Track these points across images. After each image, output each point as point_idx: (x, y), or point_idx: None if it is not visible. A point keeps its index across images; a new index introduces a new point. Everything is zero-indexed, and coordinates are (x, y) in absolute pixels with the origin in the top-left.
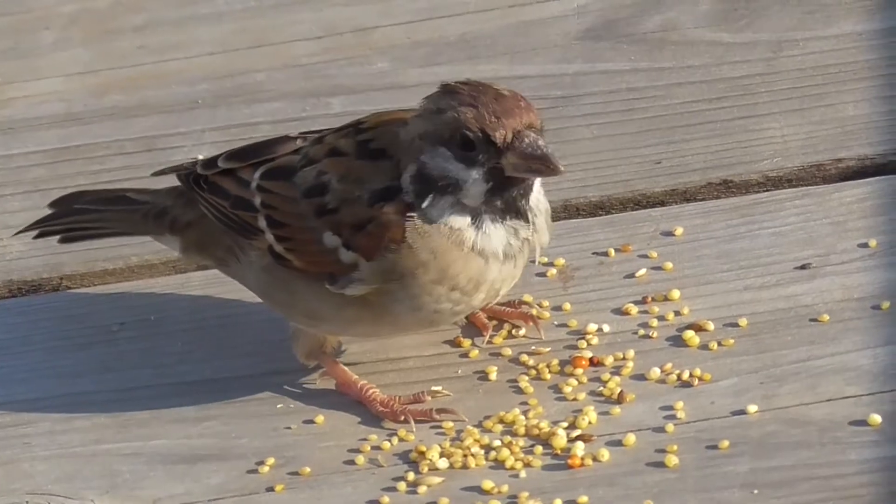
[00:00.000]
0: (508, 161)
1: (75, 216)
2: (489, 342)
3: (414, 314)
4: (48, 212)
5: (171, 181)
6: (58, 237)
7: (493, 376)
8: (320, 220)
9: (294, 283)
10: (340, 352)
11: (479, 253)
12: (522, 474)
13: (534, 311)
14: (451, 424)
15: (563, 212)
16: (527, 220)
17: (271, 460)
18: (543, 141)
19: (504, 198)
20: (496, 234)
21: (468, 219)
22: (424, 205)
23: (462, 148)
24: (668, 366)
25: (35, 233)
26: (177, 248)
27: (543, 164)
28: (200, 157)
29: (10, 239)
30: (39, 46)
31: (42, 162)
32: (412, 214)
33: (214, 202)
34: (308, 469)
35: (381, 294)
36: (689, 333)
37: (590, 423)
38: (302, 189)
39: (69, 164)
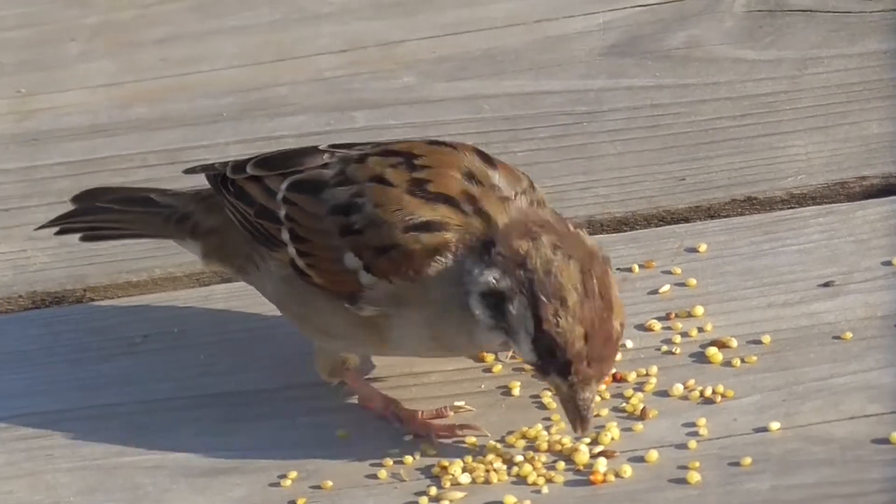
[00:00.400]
0: (560, 390)
1: (97, 214)
2: (512, 357)
3: (409, 342)
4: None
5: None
6: (79, 235)
7: (516, 391)
8: (343, 239)
9: (311, 297)
10: (364, 368)
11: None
12: (545, 490)
13: None
14: (473, 439)
15: (587, 228)
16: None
17: (293, 474)
18: (594, 402)
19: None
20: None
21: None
22: (473, 309)
23: (547, 351)
24: (691, 382)
25: (56, 229)
26: (198, 253)
27: (579, 424)
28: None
29: (35, 250)
30: (64, 58)
31: (66, 174)
32: (447, 255)
33: (240, 208)
34: (330, 483)
35: (385, 318)
36: (713, 350)
37: (612, 438)
38: (329, 205)
39: (93, 176)
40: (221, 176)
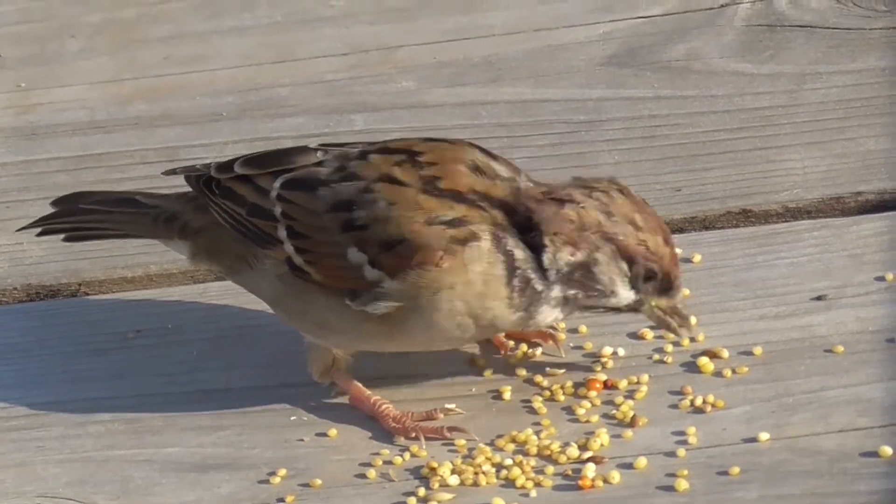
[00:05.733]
0: (661, 305)
1: (81, 216)
2: (505, 361)
3: (427, 333)
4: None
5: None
6: (62, 236)
7: (506, 396)
8: (346, 234)
9: (309, 294)
10: (356, 368)
11: (518, 308)
12: (533, 493)
13: (557, 332)
14: (463, 442)
15: None
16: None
17: (283, 471)
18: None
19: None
20: (551, 315)
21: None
22: (550, 284)
23: (646, 276)
24: (682, 391)
25: (38, 230)
26: (185, 253)
27: (680, 325)
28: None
29: (30, 244)
30: (64, 54)
31: (64, 168)
32: (476, 239)
33: (228, 208)
34: (319, 481)
35: (402, 312)
36: (704, 360)
37: (602, 445)
38: (329, 202)
39: (91, 172)
40: (205, 177)
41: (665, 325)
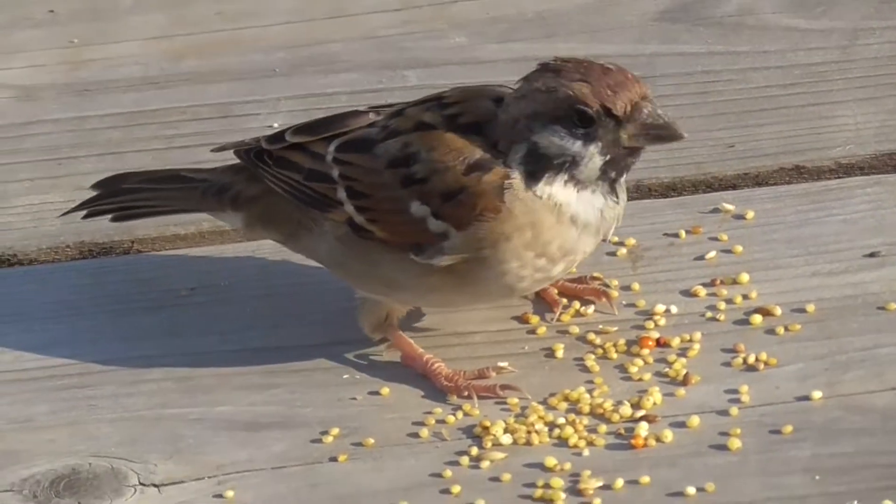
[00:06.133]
0: (629, 132)
1: (127, 195)
2: (557, 320)
3: (497, 280)
4: (93, 193)
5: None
6: (109, 216)
7: (559, 354)
8: (407, 189)
9: (373, 254)
10: (408, 327)
11: (574, 223)
12: (585, 452)
13: (610, 289)
14: (515, 401)
15: (635, 192)
16: (617, 196)
17: (335, 430)
18: (661, 109)
19: (618, 171)
20: (594, 207)
21: (574, 192)
22: (540, 183)
23: (580, 124)
24: (735, 349)
25: (83, 214)
26: (238, 223)
27: (666, 131)
28: (268, 129)
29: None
30: (117, 9)
31: (117, 125)
32: (511, 182)
33: (284, 176)
34: (372, 440)
35: (468, 262)
36: (757, 317)
37: (654, 403)
38: (385, 160)
39: (143, 128)
40: (255, 150)
41: (655, 141)
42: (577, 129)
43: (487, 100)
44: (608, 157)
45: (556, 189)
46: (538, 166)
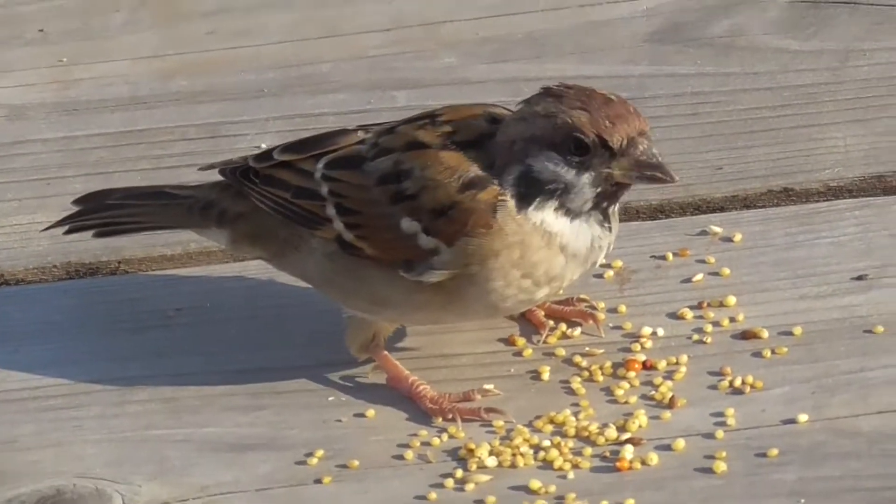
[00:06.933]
0: (622, 166)
1: (110, 211)
2: (544, 342)
3: (482, 299)
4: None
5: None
6: (92, 232)
7: (545, 376)
8: (397, 206)
9: (361, 271)
10: (393, 348)
11: (563, 251)
12: (570, 475)
13: (597, 311)
14: (501, 423)
15: (622, 214)
16: (609, 224)
17: (320, 452)
18: (656, 149)
19: (607, 203)
20: (584, 235)
21: (567, 221)
22: (531, 208)
23: (575, 152)
24: (721, 372)
25: (65, 229)
26: (223, 241)
27: (658, 172)
28: (256, 149)
29: None
30: (108, 28)
31: (105, 144)
32: (504, 200)
33: (271, 194)
34: (356, 462)
35: (456, 278)
36: (743, 340)
37: (640, 426)
38: (375, 177)
39: (132, 148)
40: (242, 168)
41: (646, 180)
42: (572, 157)
43: (481, 118)
44: (599, 189)
45: (548, 215)
46: (530, 190)
